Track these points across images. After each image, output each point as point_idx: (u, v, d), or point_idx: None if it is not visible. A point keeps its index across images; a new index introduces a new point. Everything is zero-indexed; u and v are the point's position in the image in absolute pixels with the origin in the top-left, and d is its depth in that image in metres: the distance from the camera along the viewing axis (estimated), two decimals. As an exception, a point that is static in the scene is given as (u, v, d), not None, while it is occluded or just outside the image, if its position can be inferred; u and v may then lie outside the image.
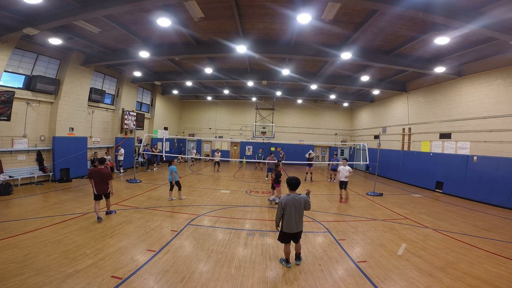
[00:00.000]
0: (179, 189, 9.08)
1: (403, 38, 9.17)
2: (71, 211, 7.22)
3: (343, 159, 10.39)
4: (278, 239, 4.59)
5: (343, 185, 9.58)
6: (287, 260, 4.60)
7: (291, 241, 4.53)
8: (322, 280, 4.19)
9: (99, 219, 6.50)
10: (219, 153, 17.94)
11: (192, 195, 9.90)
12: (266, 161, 14.21)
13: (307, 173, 14.77)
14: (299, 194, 4.41)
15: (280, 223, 4.47)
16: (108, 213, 7.11)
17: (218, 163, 17.19)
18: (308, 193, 4.66)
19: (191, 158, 21.40)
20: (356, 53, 10.06)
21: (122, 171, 14.53)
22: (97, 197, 6.72)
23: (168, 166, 9.00)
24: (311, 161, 14.93)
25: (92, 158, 13.45)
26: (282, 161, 18.49)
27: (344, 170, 9.52)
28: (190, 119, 24.93)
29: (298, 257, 4.72)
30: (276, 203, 8.56)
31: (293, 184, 4.41)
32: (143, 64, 14.08)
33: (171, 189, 9.02)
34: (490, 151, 10.22)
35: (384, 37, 9.22)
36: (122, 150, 14.69)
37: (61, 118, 11.53)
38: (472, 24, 6.69)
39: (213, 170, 17.15)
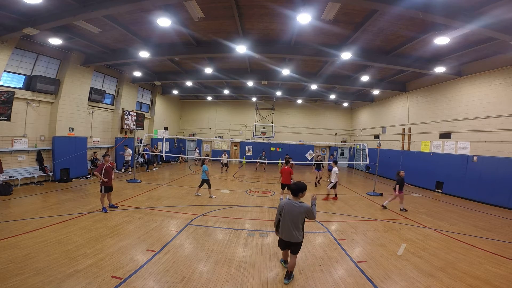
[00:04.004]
0: (209, 187, 9.57)
1: (403, 38, 9.17)
2: (71, 211, 7.22)
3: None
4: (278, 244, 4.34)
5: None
6: (285, 261, 4.48)
7: (288, 251, 4.22)
8: (322, 280, 4.19)
9: (106, 210, 7.24)
10: (226, 155, 17.49)
11: (192, 195, 9.88)
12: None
13: (316, 177, 13.22)
14: (301, 202, 4.00)
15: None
16: (112, 206, 7.70)
17: (226, 164, 17.13)
18: (313, 200, 4.19)
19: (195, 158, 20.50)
20: (356, 53, 10.06)
21: (130, 170, 14.49)
22: (111, 189, 7.58)
23: (201, 165, 9.87)
24: (320, 161, 13.41)
25: (92, 158, 13.45)
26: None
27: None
28: (190, 119, 24.92)
29: (287, 275, 4.10)
30: (404, 210, 8.69)
31: (294, 189, 4.08)
32: (143, 64, 14.07)
33: (200, 186, 9.80)
34: (490, 151, 10.22)
35: (384, 37, 9.22)
36: (130, 150, 14.62)
37: (61, 118, 11.52)
38: (472, 24, 6.69)
39: (220, 172, 16.61)
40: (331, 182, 9.77)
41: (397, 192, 8.67)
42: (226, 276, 4.20)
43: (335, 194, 10.09)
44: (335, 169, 9.84)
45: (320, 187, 12.56)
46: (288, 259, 4.27)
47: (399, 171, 9.15)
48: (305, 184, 4.11)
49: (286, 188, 9.08)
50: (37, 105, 10.84)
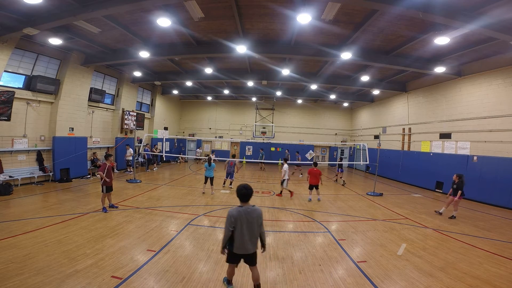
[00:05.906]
0: (211, 183, 10.06)
1: (403, 38, 9.17)
2: (71, 211, 7.22)
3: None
4: (226, 260, 3.72)
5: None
6: (229, 281, 3.86)
7: (247, 264, 3.68)
8: (322, 280, 4.19)
9: (106, 210, 7.27)
10: (213, 154, 15.78)
11: (192, 195, 9.90)
12: (229, 159, 11.77)
13: (341, 177, 14.29)
14: (253, 206, 3.56)
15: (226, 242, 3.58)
16: (112, 206, 7.73)
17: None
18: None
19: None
20: (356, 53, 10.06)
21: (130, 170, 14.47)
22: (111, 189, 7.64)
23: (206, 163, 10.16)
24: (340, 162, 14.04)
25: (92, 158, 13.45)
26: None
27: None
28: (190, 119, 24.93)
29: None
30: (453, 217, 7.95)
31: (244, 194, 3.51)
32: (143, 64, 14.07)
33: (205, 182, 10.07)
34: (490, 151, 10.22)
35: (384, 37, 9.22)
36: (131, 150, 14.62)
37: (61, 118, 11.52)
38: (472, 24, 6.69)
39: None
40: (284, 180, 10.18)
41: (457, 197, 7.91)
42: (226, 276, 4.19)
43: (290, 191, 10.35)
44: (285, 166, 10.33)
45: (340, 187, 12.97)
46: (251, 275, 3.73)
47: (460, 175, 8.21)
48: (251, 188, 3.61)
49: (314, 188, 9.87)
50: (37, 105, 10.84)
